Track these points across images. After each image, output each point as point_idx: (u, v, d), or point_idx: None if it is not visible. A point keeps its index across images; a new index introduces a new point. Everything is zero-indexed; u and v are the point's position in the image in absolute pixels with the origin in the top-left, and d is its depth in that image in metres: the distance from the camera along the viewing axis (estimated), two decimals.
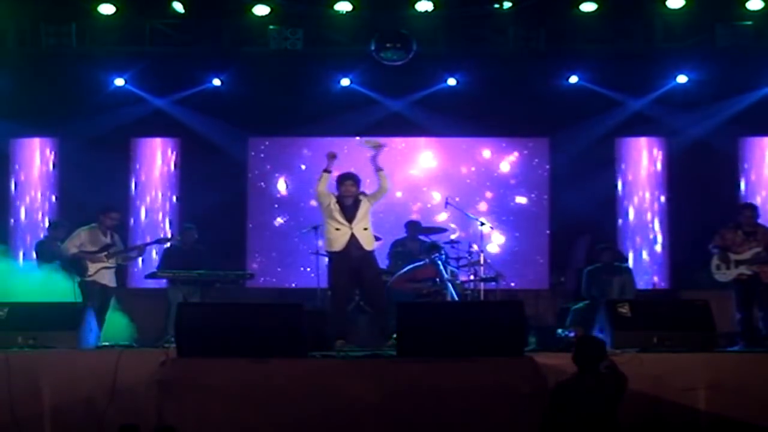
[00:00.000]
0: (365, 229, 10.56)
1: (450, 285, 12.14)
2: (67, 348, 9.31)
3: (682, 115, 14.06)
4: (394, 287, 12.43)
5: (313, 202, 11.19)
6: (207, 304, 10.99)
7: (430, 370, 8.57)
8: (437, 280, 12.19)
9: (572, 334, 10.43)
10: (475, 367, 8.55)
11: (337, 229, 10.49)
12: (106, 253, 11.02)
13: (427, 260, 12.46)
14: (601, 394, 7.37)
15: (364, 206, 10.59)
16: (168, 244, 12.48)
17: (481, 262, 12.83)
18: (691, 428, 8.65)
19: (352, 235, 10.46)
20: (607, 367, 7.58)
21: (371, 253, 10.67)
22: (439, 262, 12.32)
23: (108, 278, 11.04)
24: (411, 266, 12.63)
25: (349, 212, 10.53)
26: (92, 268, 10.93)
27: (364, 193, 10.71)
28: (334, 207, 10.52)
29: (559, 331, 10.40)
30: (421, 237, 13.54)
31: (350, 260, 10.50)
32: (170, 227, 14.39)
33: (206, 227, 12.85)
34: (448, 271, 12.42)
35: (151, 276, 12.03)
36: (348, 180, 10.63)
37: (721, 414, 8.62)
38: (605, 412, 7.34)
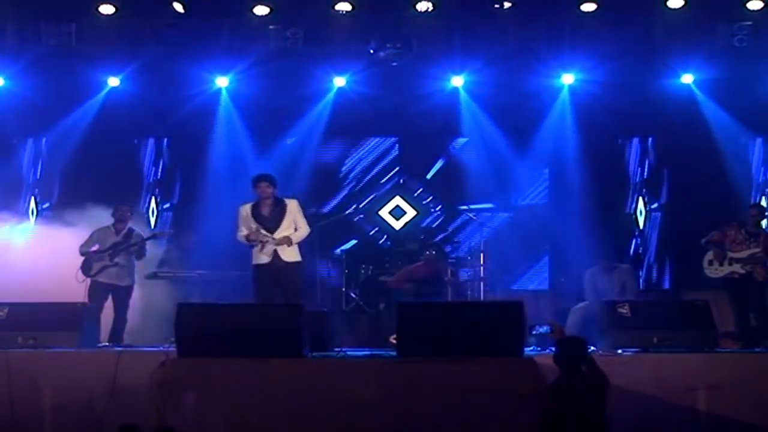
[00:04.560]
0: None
1: (450, 285, 12.16)
2: (67, 348, 9.31)
3: (682, 113, 14.03)
4: (393, 287, 12.46)
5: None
6: (207, 304, 10.97)
7: (430, 370, 8.57)
8: (437, 279, 12.20)
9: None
10: (474, 367, 8.55)
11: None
12: (110, 252, 10.99)
13: (426, 260, 12.47)
14: (587, 393, 7.38)
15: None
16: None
17: (481, 261, 12.85)
18: (691, 428, 8.65)
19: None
20: (589, 367, 7.59)
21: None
22: (439, 262, 12.34)
23: (115, 277, 10.99)
24: (410, 266, 12.65)
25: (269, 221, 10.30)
26: (95, 268, 10.91)
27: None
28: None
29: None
30: (421, 237, 13.57)
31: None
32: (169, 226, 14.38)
33: (208, 227, 12.86)
34: (448, 271, 12.44)
35: (151, 276, 12.02)
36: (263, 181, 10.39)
37: (721, 414, 8.62)
38: (593, 411, 7.34)
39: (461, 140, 14.71)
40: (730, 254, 10.67)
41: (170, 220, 14.50)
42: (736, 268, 10.62)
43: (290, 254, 10.25)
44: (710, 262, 10.78)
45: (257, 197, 10.39)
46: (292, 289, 10.24)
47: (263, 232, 10.19)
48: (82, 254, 11.04)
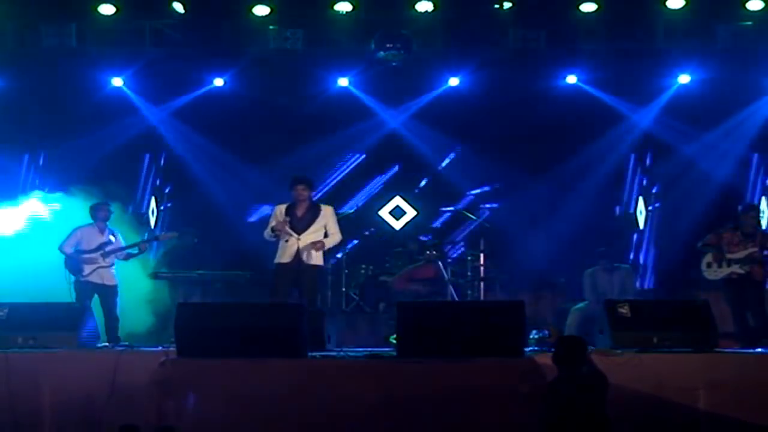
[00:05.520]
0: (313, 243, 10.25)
1: (450, 285, 12.16)
2: (67, 348, 9.31)
3: (682, 114, 14.04)
4: (394, 287, 12.47)
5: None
6: (207, 304, 10.98)
7: (430, 370, 8.57)
8: (437, 280, 12.20)
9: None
10: (475, 367, 8.55)
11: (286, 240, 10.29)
12: (101, 252, 10.92)
13: (426, 260, 12.48)
14: (586, 394, 7.37)
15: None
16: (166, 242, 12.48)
17: (482, 262, 12.85)
18: (691, 428, 8.65)
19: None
20: (588, 367, 7.59)
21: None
22: (439, 262, 12.35)
23: (106, 277, 10.93)
24: (411, 266, 12.66)
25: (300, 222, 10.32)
26: (87, 268, 10.81)
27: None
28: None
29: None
30: (422, 237, 13.56)
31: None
32: (171, 227, 14.39)
33: (204, 227, 12.89)
34: (449, 271, 12.45)
35: (152, 276, 12.03)
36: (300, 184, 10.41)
37: (721, 414, 8.61)
38: (593, 411, 7.33)
39: (462, 140, 14.75)
40: (728, 255, 10.67)
41: (170, 220, 14.52)
42: (735, 268, 10.62)
43: (313, 257, 10.25)
44: (708, 265, 10.78)
45: (293, 199, 10.37)
46: (310, 291, 10.25)
47: (288, 229, 10.19)
48: (64, 253, 10.91)
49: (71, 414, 8.73)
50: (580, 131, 14.19)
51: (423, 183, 14.85)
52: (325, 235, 10.34)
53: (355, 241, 14.05)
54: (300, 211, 10.33)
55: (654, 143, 14.49)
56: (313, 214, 10.33)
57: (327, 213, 10.41)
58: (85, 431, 8.71)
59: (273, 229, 10.25)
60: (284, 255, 10.23)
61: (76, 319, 9.79)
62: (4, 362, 8.82)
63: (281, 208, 10.38)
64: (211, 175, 14.30)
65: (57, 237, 11.29)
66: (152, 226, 14.39)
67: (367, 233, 14.27)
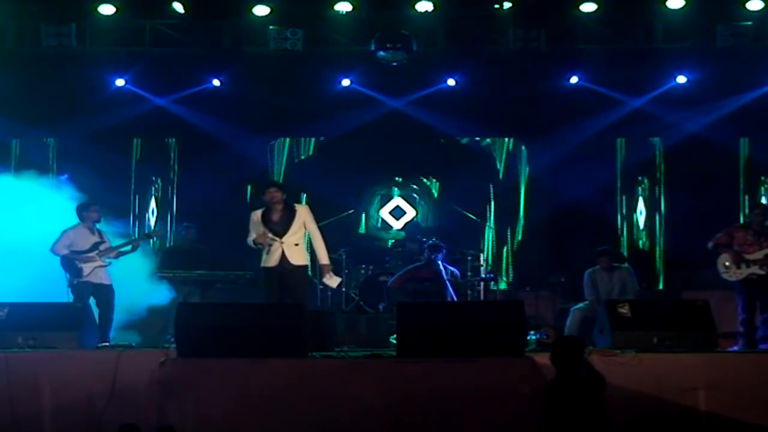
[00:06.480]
0: (296, 244, 10.19)
1: (450, 285, 12.17)
2: (67, 348, 9.31)
3: (682, 114, 14.06)
4: (393, 287, 12.48)
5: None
6: (207, 304, 10.98)
7: (430, 370, 8.57)
8: (437, 279, 12.20)
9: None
10: (474, 367, 8.55)
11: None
12: (97, 251, 10.88)
13: (426, 260, 12.49)
14: (584, 395, 7.37)
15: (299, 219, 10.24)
16: (160, 242, 12.48)
17: (481, 262, 12.85)
18: (691, 428, 8.64)
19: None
20: (586, 368, 7.59)
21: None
22: (439, 262, 12.36)
23: (102, 276, 10.90)
24: (411, 266, 12.67)
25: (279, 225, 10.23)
26: (86, 268, 10.78)
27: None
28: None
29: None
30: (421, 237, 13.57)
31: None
32: (170, 226, 14.41)
33: (204, 227, 12.90)
34: (448, 271, 12.46)
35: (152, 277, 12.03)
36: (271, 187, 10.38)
37: (721, 414, 8.60)
38: (591, 412, 7.33)
39: (463, 140, 14.78)
40: (746, 256, 10.61)
41: (171, 220, 14.53)
42: (755, 269, 10.56)
43: (298, 258, 10.20)
44: (727, 266, 10.69)
45: (267, 203, 10.35)
46: (298, 292, 10.19)
47: (270, 235, 10.17)
48: (58, 254, 10.77)
49: (71, 414, 8.73)
50: (580, 131, 14.22)
51: (423, 181, 14.87)
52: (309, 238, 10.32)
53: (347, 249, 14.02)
54: (276, 215, 10.22)
55: (655, 143, 14.53)
56: (290, 215, 10.26)
57: (303, 212, 10.31)
58: (85, 431, 8.71)
59: (255, 243, 10.21)
60: (270, 259, 10.16)
61: (76, 319, 9.78)
62: (4, 362, 8.81)
63: (257, 214, 10.30)
64: (211, 174, 14.30)
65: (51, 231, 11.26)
66: (152, 226, 14.41)
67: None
